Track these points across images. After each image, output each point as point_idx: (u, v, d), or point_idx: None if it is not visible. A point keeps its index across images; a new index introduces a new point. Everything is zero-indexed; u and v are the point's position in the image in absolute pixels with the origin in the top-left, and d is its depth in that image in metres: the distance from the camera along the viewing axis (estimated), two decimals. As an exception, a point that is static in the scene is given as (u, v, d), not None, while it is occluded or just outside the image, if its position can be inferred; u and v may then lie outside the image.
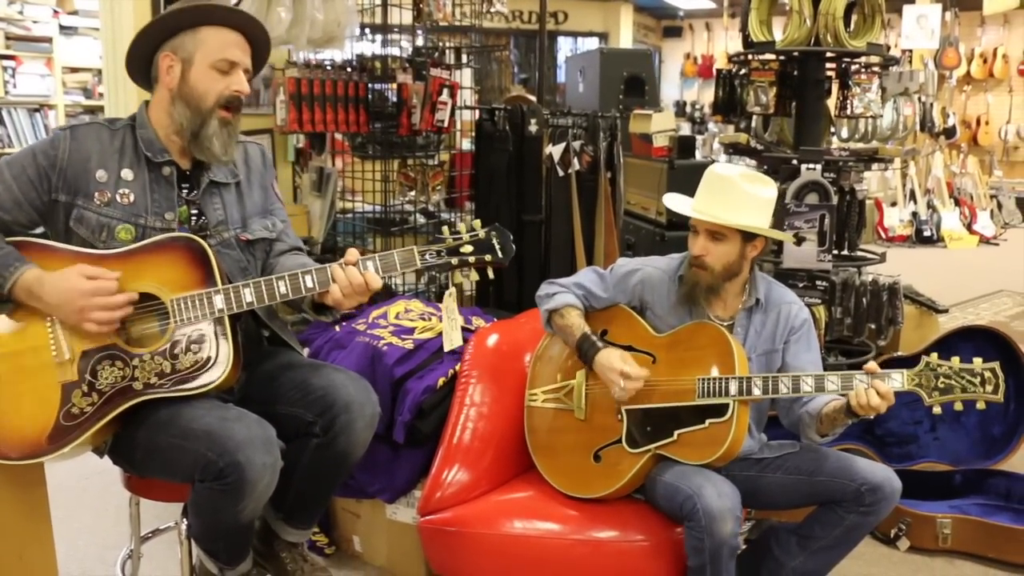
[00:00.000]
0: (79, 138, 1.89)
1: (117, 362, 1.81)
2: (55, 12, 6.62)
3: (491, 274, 1.92)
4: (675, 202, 2.31)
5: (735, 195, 2.18)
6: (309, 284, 1.85)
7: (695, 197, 2.27)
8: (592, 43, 13.12)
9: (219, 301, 1.82)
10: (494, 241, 1.88)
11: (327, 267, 1.86)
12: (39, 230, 1.93)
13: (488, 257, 1.87)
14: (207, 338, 1.83)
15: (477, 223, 1.91)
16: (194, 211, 1.98)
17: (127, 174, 1.91)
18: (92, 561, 2.73)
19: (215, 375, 1.81)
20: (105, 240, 1.87)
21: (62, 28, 6.70)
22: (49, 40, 6.63)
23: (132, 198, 1.90)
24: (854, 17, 3.46)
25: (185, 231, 1.93)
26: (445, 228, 1.90)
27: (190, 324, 1.82)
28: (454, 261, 1.87)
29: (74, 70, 6.91)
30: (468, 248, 1.87)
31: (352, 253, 1.87)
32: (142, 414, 1.83)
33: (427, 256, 1.86)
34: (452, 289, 2.08)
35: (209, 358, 1.82)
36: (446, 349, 2.33)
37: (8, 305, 1.80)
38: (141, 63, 1.96)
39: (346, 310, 1.92)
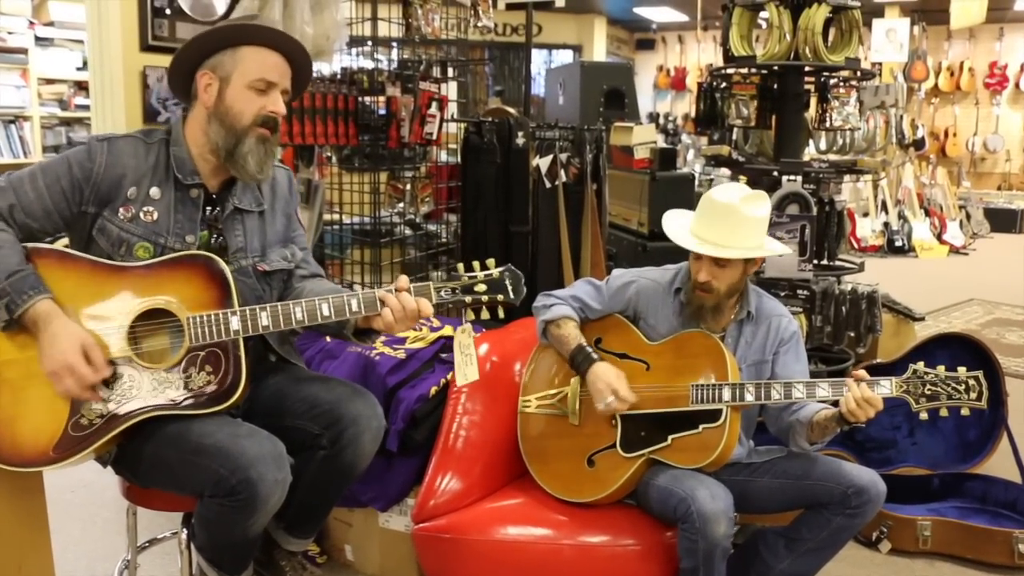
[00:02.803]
0: (116, 152, 1.89)
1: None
2: (31, 23, 6.55)
3: (501, 314, 1.95)
4: (676, 233, 2.29)
5: (737, 221, 2.19)
6: (355, 308, 1.85)
7: (694, 224, 2.27)
8: (566, 55, 13.23)
9: (235, 323, 1.82)
10: (507, 282, 1.91)
11: (374, 292, 1.87)
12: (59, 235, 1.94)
13: (500, 297, 1.90)
14: (220, 359, 1.83)
15: (491, 262, 1.94)
16: (215, 235, 1.98)
17: (155, 192, 1.91)
18: (82, 573, 2.72)
19: (226, 396, 1.82)
20: (123, 255, 1.87)
21: (38, 39, 6.62)
22: (24, 51, 6.55)
23: (155, 216, 1.90)
24: (832, 32, 3.55)
25: None
26: (460, 266, 1.93)
27: (204, 343, 1.82)
28: (468, 300, 1.90)
29: (50, 81, 6.84)
30: (482, 287, 1.90)
31: (404, 280, 1.89)
32: (150, 428, 1.83)
33: (442, 293, 1.89)
34: (467, 325, 2.13)
35: (222, 380, 1.82)
36: (459, 383, 2.37)
37: (14, 324, 1.78)
38: (182, 79, 1.95)
39: (395, 334, 1.92)
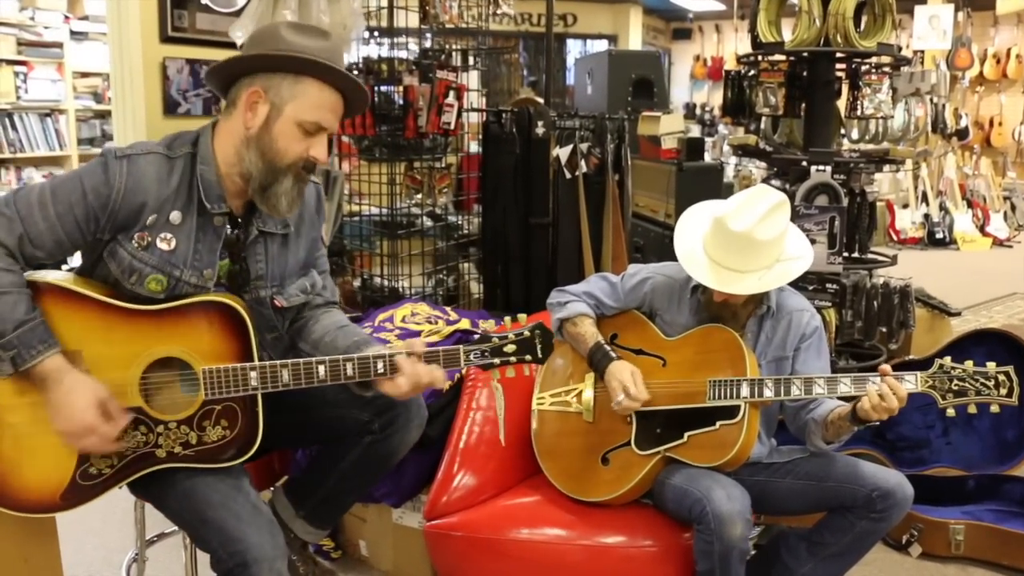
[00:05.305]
0: (136, 175, 1.71)
1: (141, 427, 1.73)
2: (66, 18, 6.64)
3: (527, 371, 1.94)
4: (688, 259, 2.18)
5: (754, 248, 2.08)
6: (380, 369, 1.77)
7: (708, 243, 2.16)
8: (601, 45, 13.11)
9: (254, 378, 1.73)
10: (537, 341, 1.85)
11: (394, 356, 1.77)
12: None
13: (528, 357, 1.85)
14: (237, 414, 1.76)
15: (523, 317, 1.92)
16: (237, 263, 1.86)
17: (175, 217, 1.75)
18: (99, 564, 2.73)
19: (241, 453, 1.77)
20: (133, 284, 1.74)
21: (73, 33, 6.72)
22: (60, 45, 6.65)
23: (174, 244, 1.75)
24: (864, 17, 3.43)
25: (222, 289, 1.83)
26: (491, 322, 1.95)
27: (220, 397, 1.74)
28: (497, 361, 1.84)
29: (85, 75, 6.93)
30: (511, 348, 1.84)
31: (419, 345, 1.81)
32: (159, 476, 1.78)
33: (471, 356, 1.83)
34: (499, 386, 2.22)
35: (237, 436, 1.76)
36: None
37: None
38: (227, 77, 1.80)
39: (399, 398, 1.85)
